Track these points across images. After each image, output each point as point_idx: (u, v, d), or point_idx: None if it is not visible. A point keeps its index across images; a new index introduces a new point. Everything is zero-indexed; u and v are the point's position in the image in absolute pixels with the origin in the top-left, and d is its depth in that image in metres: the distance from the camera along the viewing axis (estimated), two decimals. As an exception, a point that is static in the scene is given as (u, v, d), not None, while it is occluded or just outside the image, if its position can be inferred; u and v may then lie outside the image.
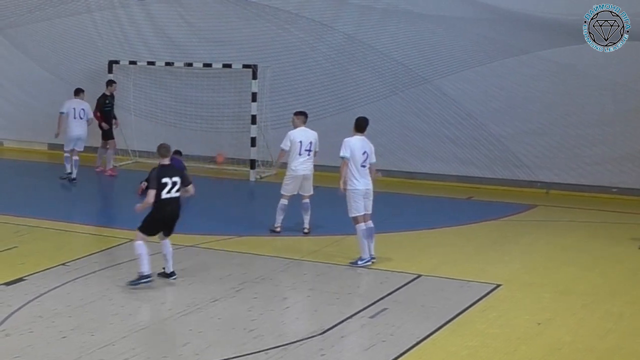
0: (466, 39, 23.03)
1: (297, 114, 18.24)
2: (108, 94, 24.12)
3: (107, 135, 24.10)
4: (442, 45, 23.28)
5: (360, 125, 16.16)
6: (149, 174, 14.53)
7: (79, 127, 23.25)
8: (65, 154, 23.42)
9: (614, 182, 22.11)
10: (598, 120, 22.12)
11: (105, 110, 23.94)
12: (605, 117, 22.06)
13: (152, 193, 14.33)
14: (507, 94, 22.83)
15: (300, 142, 17.72)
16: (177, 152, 22.82)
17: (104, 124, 23.91)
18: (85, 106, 23.35)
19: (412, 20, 23.40)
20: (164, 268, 14.87)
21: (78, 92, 23.61)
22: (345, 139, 16.03)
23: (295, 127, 17.94)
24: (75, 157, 23.09)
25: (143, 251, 14.36)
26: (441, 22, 23.15)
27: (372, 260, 15.89)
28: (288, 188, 17.92)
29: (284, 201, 17.96)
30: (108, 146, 24.22)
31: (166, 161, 14.64)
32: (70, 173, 23.15)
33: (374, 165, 16.11)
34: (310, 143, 17.80)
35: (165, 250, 14.79)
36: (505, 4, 22.52)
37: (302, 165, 17.78)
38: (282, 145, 17.88)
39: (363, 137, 16.06)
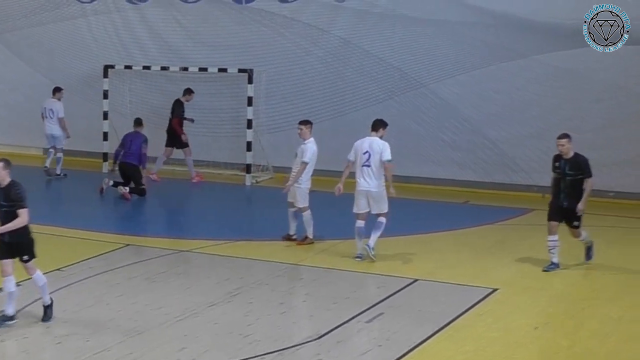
0: (463, 43, 23.01)
1: (306, 123, 17.73)
2: (184, 101, 23.90)
3: (183, 144, 23.87)
4: (439, 50, 23.25)
5: (373, 125, 16.63)
6: (19, 189, 12.66)
7: (49, 125, 24.05)
8: (49, 150, 24.35)
9: (611, 186, 22.07)
10: (595, 125, 22.09)
11: (181, 118, 23.78)
12: (603, 121, 22.03)
13: (27, 212, 12.76)
14: (504, 98, 22.80)
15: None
16: (139, 122, 22.71)
17: (183, 136, 23.60)
18: (55, 106, 23.85)
19: (408, 25, 23.37)
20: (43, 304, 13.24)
21: (54, 91, 24.28)
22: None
23: (306, 138, 17.42)
24: (59, 155, 23.94)
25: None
26: (437, 26, 23.12)
27: (366, 245, 16.22)
28: (308, 199, 17.53)
29: (309, 212, 17.46)
30: (185, 154, 23.96)
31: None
32: (47, 167, 23.75)
33: (388, 164, 16.45)
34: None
35: (42, 282, 13.11)
36: (502, 8, 22.49)
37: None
38: (306, 159, 17.25)
39: (372, 137, 16.33)
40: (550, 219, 16.03)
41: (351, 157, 16.22)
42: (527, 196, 22.47)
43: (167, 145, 23.82)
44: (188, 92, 23.96)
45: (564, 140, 16.00)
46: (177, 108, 23.74)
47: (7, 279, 12.68)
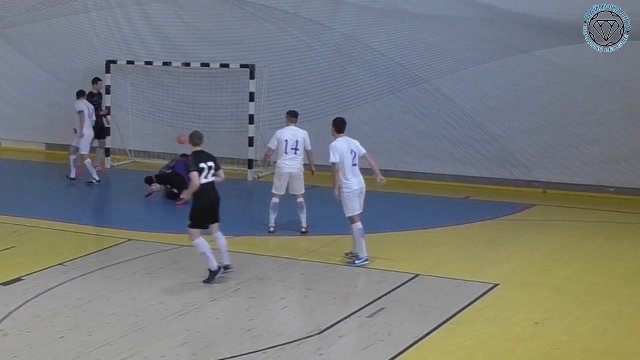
0: (463, 39, 23.05)
1: (288, 113, 18.48)
2: (94, 92, 24.08)
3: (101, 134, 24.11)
4: (439, 45, 23.29)
5: (341, 127, 16.26)
6: (187, 160, 14.98)
7: (90, 127, 23.14)
8: (88, 160, 22.95)
9: (610, 181, 22.13)
10: (595, 119, 22.15)
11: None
12: (602, 116, 22.08)
13: (193, 175, 14.58)
14: (504, 93, 22.84)
15: (286, 140, 17.89)
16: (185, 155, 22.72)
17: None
18: (91, 107, 23.32)
19: (409, 20, 23.41)
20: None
21: (83, 94, 23.64)
22: (332, 144, 16.04)
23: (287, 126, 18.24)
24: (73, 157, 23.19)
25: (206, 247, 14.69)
26: (438, 22, 23.17)
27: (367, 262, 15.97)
28: (276, 186, 18.19)
29: (274, 200, 18.16)
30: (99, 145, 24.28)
31: None
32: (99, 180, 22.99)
33: (368, 155, 16.24)
34: (296, 142, 17.86)
35: (219, 244, 14.98)
36: (502, 3, 22.53)
37: (285, 163, 17.85)
38: (269, 144, 18.26)
39: (346, 137, 16.18)
40: None
41: (337, 159, 15.87)
42: (527, 191, 22.54)
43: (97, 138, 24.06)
44: (95, 81, 24.26)
45: None
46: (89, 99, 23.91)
47: None
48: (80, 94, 23.27)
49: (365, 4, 23.82)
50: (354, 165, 15.94)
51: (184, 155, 22.65)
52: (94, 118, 23.29)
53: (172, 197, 21.57)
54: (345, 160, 15.87)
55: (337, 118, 16.62)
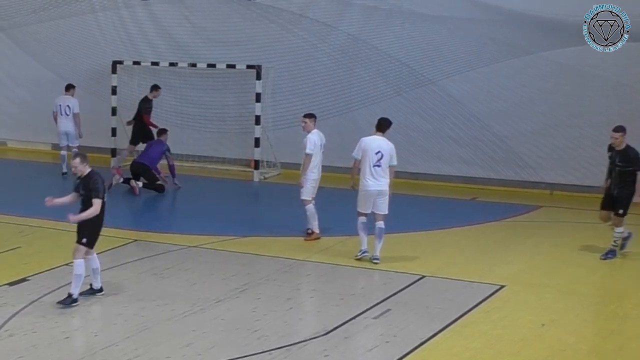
0: (470, 40, 23.03)
1: (311, 116, 17.72)
2: (151, 98, 23.99)
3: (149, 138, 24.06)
4: (446, 46, 23.27)
5: (380, 125, 16.12)
6: (96, 181, 13.56)
7: (64, 122, 23.67)
8: (61, 153, 23.84)
9: (618, 183, 22.06)
10: (602, 121, 22.06)
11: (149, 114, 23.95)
12: (609, 118, 21.96)
13: (99, 203, 13.56)
14: (511, 95, 22.82)
15: (321, 145, 17.55)
16: (163, 131, 22.90)
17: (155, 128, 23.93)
18: (71, 102, 23.62)
19: (417, 21, 23.39)
20: (91, 285, 14.10)
21: (68, 88, 24.04)
22: (361, 139, 16.01)
23: (309, 130, 17.43)
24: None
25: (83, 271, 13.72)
26: (445, 23, 23.15)
27: (372, 259, 15.94)
28: (312, 192, 17.43)
29: (312, 206, 17.49)
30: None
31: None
32: (66, 172, 23.29)
33: (393, 167, 16.02)
34: (324, 145, 17.68)
35: (95, 265, 14.02)
36: (509, 4, 22.52)
37: (319, 169, 17.58)
38: (308, 150, 17.25)
39: (381, 137, 15.96)
40: (600, 207, 16.98)
41: (357, 155, 15.82)
42: (534, 193, 22.51)
43: (131, 143, 24.08)
44: (155, 88, 24.10)
45: (617, 134, 16.50)
46: (142, 105, 23.89)
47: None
48: (66, 88, 23.91)
49: (372, 5, 23.81)
50: (377, 166, 15.74)
51: (162, 130, 22.78)
52: (75, 110, 23.57)
53: (153, 188, 21.72)
54: (367, 159, 15.74)
55: (381, 117, 16.47)
